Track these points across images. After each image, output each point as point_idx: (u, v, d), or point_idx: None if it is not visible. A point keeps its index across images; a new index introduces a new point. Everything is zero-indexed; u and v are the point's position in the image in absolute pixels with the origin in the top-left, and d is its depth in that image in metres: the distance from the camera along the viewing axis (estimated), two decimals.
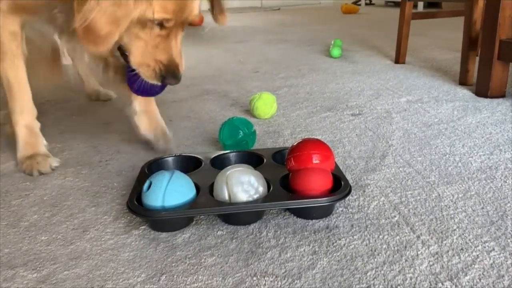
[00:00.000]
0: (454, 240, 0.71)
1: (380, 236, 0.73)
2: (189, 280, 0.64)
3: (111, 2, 0.79)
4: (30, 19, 1.02)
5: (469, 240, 0.71)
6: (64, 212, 0.85)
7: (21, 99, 1.06)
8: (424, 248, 0.69)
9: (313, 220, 0.78)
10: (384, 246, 0.70)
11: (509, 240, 0.70)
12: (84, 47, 0.90)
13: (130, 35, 0.88)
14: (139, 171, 0.92)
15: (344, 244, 0.71)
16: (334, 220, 0.78)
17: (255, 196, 0.77)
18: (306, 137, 1.16)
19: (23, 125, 1.07)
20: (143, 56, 0.89)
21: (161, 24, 0.86)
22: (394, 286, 0.61)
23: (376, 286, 0.61)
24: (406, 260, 0.67)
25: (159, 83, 0.92)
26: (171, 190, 0.75)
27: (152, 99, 1.15)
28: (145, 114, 1.14)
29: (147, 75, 0.91)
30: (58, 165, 1.05)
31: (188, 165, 0.95)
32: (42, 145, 1.08)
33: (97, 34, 0.81)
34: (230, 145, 1.07)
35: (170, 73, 0.90)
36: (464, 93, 1.54)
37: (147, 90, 0.96)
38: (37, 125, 1.10)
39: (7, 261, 0.70)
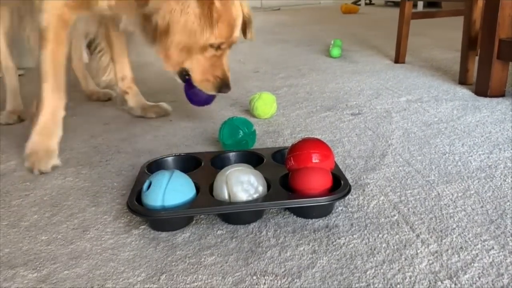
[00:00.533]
0: (454, 239, 0.71)
1: (380, 235, 0.73)
2: (189, 279, 0.64)
3: (184, 34, 1.01)
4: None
5: (469, 238, 0.71)
6: (64, 212, 0.85)
7: (55, 80, 1.07)
8: (423, 247, 0.69)
9: (313, 219, 0.78)
10: (383, 245, 0.70)
11: (508, 239, 0.70)
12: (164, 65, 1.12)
13: (192, 59, 1.08)
14: (139, 171, 0.93)
15: (343, 243, 0.71)
16: (334, 219, 0.79)
17: (255, 196, 0.78)
18: (305, 136, 1.17)
19: (49, 108, 1.07)
20: (204, 74, 1.10)
21: (217, 47, 1.07)
22: (393, 285, 0.61)
23: (376, 285, 0.61)
24: (405, 259, 0.67)
25: (215, 93, 1.13)
26: (171, 190, 0.76)
27: None
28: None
29: (208, 88, 1.12)
30: (58, 165, 1.05)
31: (188, 164, 0.95)
32: (56, 136, 1.08)
33: (174, 60, 1.07)
34: (230, 145, 1.07)
35: (224, 84, 1.11)
36: (463, 92, 1.54)
37: (204, 100, 1.17)
38: (61, 112, 1.10)
39: (7, 261, 0.70)
